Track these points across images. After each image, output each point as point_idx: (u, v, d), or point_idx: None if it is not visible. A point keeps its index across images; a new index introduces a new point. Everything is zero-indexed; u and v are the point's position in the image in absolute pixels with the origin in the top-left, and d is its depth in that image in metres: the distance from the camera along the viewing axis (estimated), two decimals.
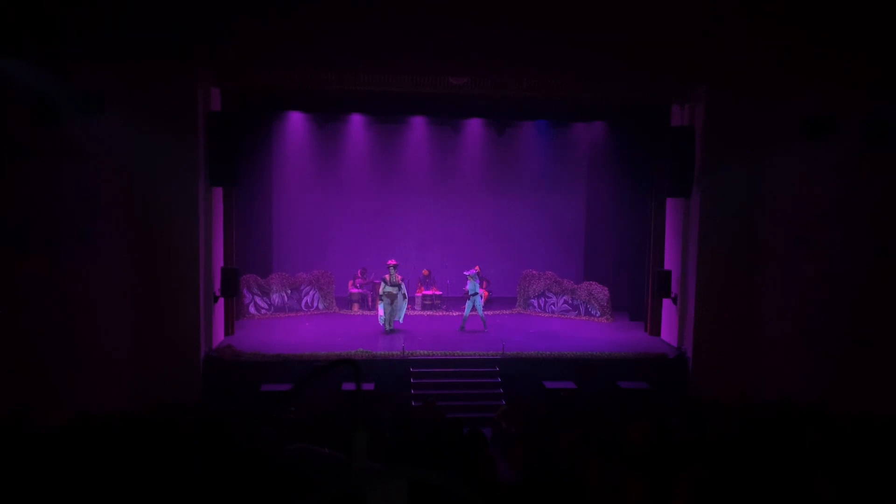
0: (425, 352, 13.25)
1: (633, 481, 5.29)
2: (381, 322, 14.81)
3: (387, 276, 14.78)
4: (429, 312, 17.18)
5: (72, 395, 10.11)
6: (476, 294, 15.03)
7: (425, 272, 17.53)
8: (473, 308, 15.11)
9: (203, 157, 12.41)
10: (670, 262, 14.40)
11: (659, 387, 12.67)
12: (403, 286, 14.92)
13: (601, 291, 16.83)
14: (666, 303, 14.48)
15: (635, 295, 16.46)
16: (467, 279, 15.16)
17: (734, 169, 12.70)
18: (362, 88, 14.24)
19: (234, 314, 14.82)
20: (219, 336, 13.64)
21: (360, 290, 17.49)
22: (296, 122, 17.94)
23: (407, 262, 17.89)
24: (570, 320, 16.84)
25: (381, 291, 14.86)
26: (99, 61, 10.73)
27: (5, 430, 6.51)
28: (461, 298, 17.84)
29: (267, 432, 6.67)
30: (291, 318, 16.40)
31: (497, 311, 17.43)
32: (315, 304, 17.21)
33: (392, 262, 15.03)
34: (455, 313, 17.10)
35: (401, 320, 14.98)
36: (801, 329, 12.07)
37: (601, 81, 13.30)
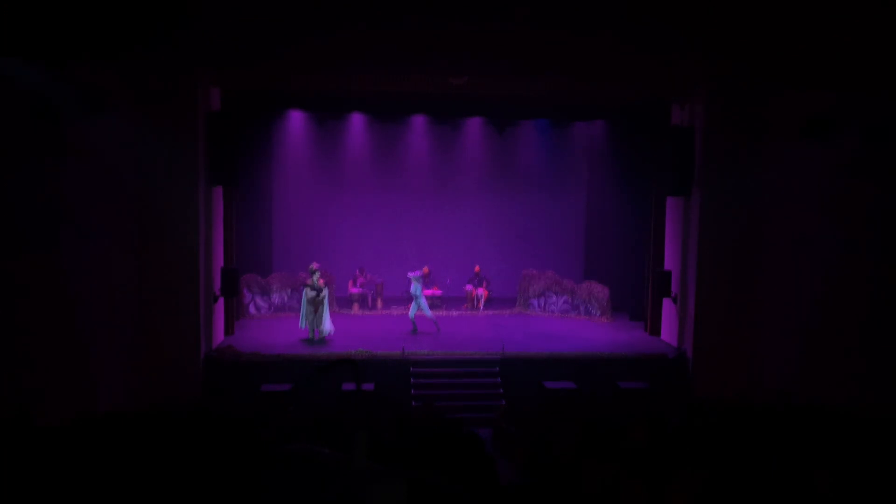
0: (425, 352, 13.26)
1: (632, 481, 5.29)
2: (302, 326, 14.08)
3: (309, 281, 14.00)
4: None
5: (72, 395, 10.11)
6: (418, 296, 14.77)
7: (425, 270, 17.53)
8: (419, 309, 14.84)
9: (203, 157, 12.41)
10: (670, 262, 14.40)
11: (659, 387, 12.67)
12: (326, 291, 14.00)
13: (601, 291, 16.84)
14: (666, 303, 14.48)
15: (635, 295, 16.47)
16: (411, 281, 14.85)
17: (734, 169, 12.70)
18: (362, 88, 14.26)
19: (234, 314, 14.83)
20: (219, 336, 13.64)
21: (360, 290, 17.50)
22: (296, 121, 17.95)
23: (406, 262, 17.88)
24: (570, 320, 16.84)
25: (305, 297, 14.04)
26: (99, 61, 10.72)
27: (7, 430, 6.51)
28: (461, 298, 17.87)
29: (267, 432, 6.67)
30: (291, 318, 16.38)
31: (497, 311, 17.44)
32: None
33: (315, 265, 14.26)
34: (455, 313, 17.12)
35: (324, 331, 13.96)
36: (800, 329, 12.07)
37: (601, 81, 13.30)
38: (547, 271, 17.73)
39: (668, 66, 12.38)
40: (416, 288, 14.78)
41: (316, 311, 13.98)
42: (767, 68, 11.71)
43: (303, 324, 14.12)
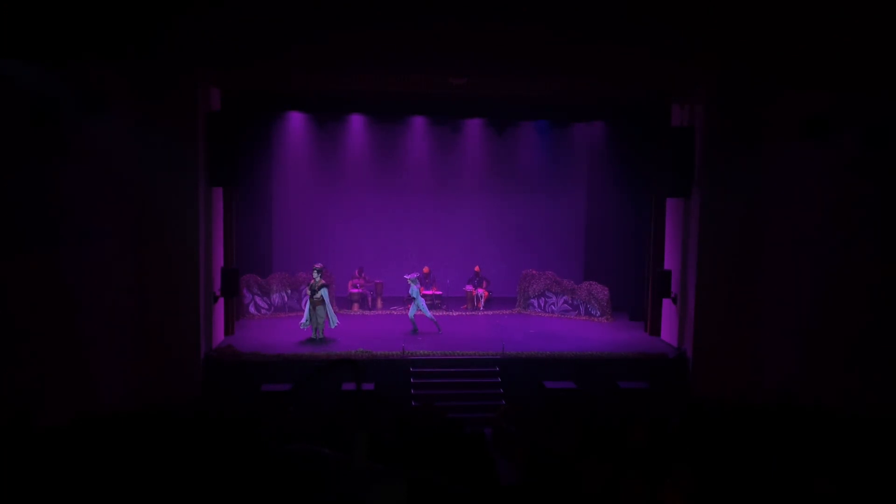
0: (425, 352, 13.25)
1: (632, 481, 5.29)
2: (302, 326, 14.11)
3: (312, 281, 14.09)
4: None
5: (72, 395, 10.11)
6: (416, 297, 14.75)
7: (426, 270, 17.56)
8: (419, 309, 14.84)
9: (203, 157, 12.41)
10: (670, 262, 14.40)
11: (659, 387, 12.66)
12: (323, 292, 13.93)
13: (601, 291, 16.84)
14: (666, 303, 14.48)
15: (635, 295, 16.46)
16: (409, 283, 14.84)
17: (734, 169, 12.69)
18: (362, 88, 14.25)
19: (234, 314, 14.82)
20: (219, 336, 13.64)
21: (360, 290, 17.50)
22: (296, 122, 17.95)
23: (406, 262, 17.90)
24: (570, 320, 16.84)
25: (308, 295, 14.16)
26: (99, 61, 10.72)
27: (8, 430, 6.51)
28: (461, 298, 17.87)
29: (267, 432, 6.67)
30: (291, 318, 16.39)
31: (497, 311, 17.44)
32: None
33: (318, 265, 14.35)
34: (455, 313, 17.12)
35: (331, 325, 14.04)
36: (801, 329, 12.08)
37: (601, 81, 13.30)
38: (547, 271, 17.73)
39: (668, 66, 12.38)
40: (413, 289, 14.79)
41: (315, 310, 13.99)
42: (767, 68, 11.72)
43: (304, 324, 14.12)
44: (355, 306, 17.32)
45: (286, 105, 17.04)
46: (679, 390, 12.90)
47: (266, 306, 16.69)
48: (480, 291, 17.63)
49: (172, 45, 11.26)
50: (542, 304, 17.55)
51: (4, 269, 9.12)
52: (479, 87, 13.84)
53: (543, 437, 8.22)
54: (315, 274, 14.14)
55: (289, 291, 16.92)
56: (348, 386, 11.45)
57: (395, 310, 17.13)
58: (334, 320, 14.19)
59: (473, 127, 18.63)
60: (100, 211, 11.13)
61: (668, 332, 14.46)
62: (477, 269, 17.86)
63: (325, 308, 14.06)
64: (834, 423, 7.98)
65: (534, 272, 17.76)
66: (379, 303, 17.56)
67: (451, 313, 17.05)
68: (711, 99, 12.82)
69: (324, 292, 14.02)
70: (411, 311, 15.03)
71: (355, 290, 17.45)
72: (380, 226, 18.67)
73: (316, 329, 14.01)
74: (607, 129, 17.84)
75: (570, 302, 17.26)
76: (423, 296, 15.55)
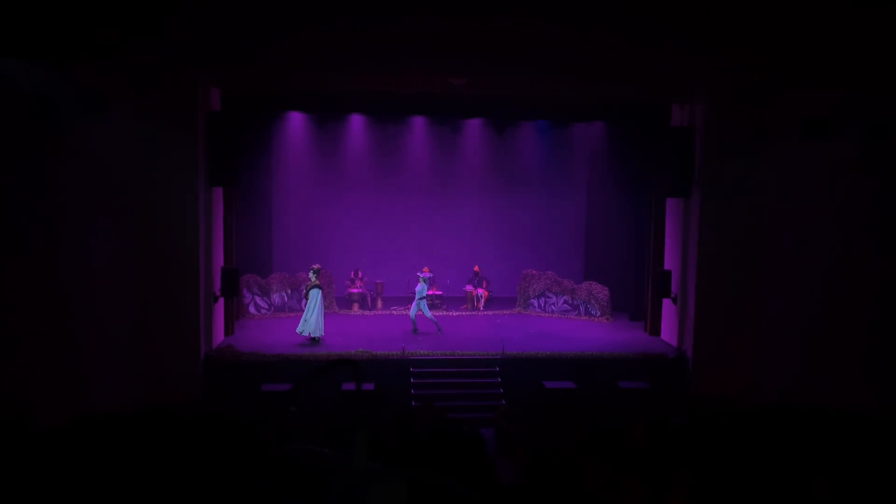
0: (425, 352, 13.25)
1: (632, 481, 5.29)
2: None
3: (308, 282, 14.03)
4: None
5: (72, 395, 10.10)
6: (422, 298, 14.73)
7: (426, 270, 17.54)
8: (420, 309, 14.74)
9: (203, 157, 12.41)
10: (670, 262, 14.40)
11: (659, 387, 12.67)
12: (312, 293, 13.73)
13: (601, 291, 16.84)
14: (666, 303, 14.48)
15: (635, 295, 16.47)
16: (419, 280, 14.87)
17: (734, 169, 12.69)
18: (362, 88, 14.26)
19: (234, 314, 14.82)
20: (219, 336, 13.63)
21: (360, 290, 17.50)
22: (296, 122, 17.96)
23: (406, 262, 17.91)
24: (570, 320, 16.84)
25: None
26: (99, 61, 10.72)
27: (7, 430, 6.51)
28: (461, 298, 17.87)
29: (267, 432, 6.67)
30: (291, 318, 16.38)
31: (497, 311, 17.44)
32: None
33: (314, 265, 14.16)
34: (455, 313, 17.11)
35: (306, 332, 13.65)
36: (801, 329, 12.07)
37: (601, 81, 13.30)
38: (547, 271, 17.73)
39: (669, 67, 12.38)
40: (422, 288, 14.78)
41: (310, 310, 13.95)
42: (768, 68, 11.71)
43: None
44: (355, 306, 17.32)
45: (286, 105, 17.06)
46: (679, 390, 12.90)
47: (266, 306, 16.69)
48: (480, 291, 17.63)
49: (172, 45, 11.25)
50: (542, 304, 17.55)
51: (4, 268, 9.11)
52: (479, 87, 13.84)
53: (543, 437, 8.22)
54: (311, 274, 14.10)
55: (289, 291, 16.92)
56: (348, 386, 11.45)
57: (395, 310, 17.13)
58: (316, 328, 13.69)
59: (473, 127, 18.64)
60: (99, 211, 11.12)
61: (668, 332, 14.46)
62: (477, 269, 17.87)
63: (314, 309, 13.76)
64: (834, 423, 7.97)
65: (534, 272, 17.76)
66: (379, 303, 17.55)
67: (451, 313, 17.04)
68: (712, 99, 12.82)
69: (312, 293, 13.85)
70: (412, 311, 15.02)
71: (355, 291, 17.45)
72: (380, 226, 18.67)
73: (314, 329, 13.97)
74: (607, 129, 17.85)
75: (570, 302, 17.26)
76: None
